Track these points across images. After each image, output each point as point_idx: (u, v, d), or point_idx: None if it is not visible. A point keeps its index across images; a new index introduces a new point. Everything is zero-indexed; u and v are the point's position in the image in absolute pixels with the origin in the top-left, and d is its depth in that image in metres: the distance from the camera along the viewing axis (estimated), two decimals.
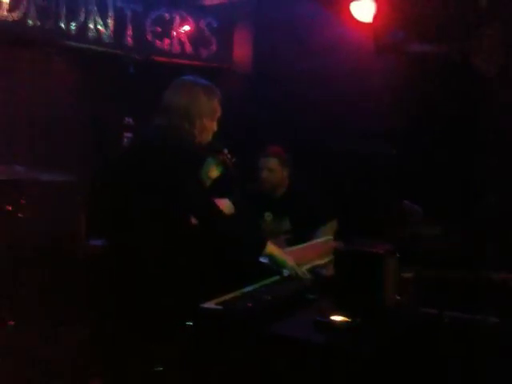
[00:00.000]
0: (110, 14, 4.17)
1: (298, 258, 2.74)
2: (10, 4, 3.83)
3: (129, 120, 4.44)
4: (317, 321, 1.97)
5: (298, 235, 3.53)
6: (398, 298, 2.11)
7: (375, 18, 3.76)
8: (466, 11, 3.69)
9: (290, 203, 3.74)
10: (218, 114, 2.59)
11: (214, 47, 4.67)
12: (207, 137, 2.59)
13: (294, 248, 2.99)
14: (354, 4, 3.93)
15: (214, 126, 2.60)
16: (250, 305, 2.20)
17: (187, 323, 2.27)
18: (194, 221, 2.55)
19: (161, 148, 2.43)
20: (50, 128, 3.91)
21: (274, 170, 3.68)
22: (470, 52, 3.63)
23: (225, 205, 2.90)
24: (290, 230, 3.69)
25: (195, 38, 4.57)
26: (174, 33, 4.49)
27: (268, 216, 3.72)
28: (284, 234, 3.65)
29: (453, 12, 3.67)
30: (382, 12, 3.75)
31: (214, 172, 2.88)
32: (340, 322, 1.94)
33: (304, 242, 3.20)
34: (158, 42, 4.43)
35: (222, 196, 2.92)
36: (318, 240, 3.28)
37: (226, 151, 2.86)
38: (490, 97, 3.73)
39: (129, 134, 4.23)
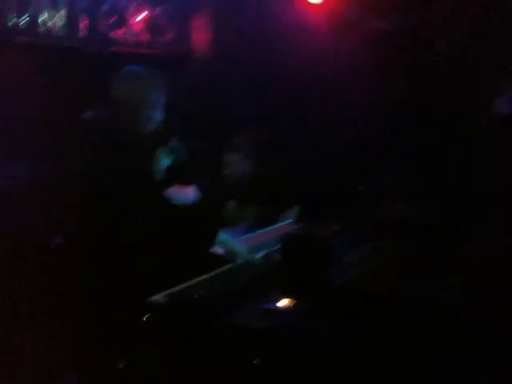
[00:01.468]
0: (62, 6, 4.07)
1: (255, 244, 2.73)
2: None
3: (90, 114, 4.36)
4: (263, 308, 1.95)
5: (263, 221, 3.50)
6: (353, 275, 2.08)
7: None
8: None
9: (254, 190, 3.70)
10: (162, 102, 2.56)
11: (171, 34, 4.58)
12: (153, 126, 2.56)
13: (252, 234, 2.97)
14: None
15: (160, 115, 2.57)
16: (200, 295, 2.17)
17: (144, 317, 2.25)
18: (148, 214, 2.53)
19: (106, 149, 2.42)
20: (10, 129, 3.82)
21: (238, 164, 3.64)
22: (425, 26, 3.59)
23: (190, 191, 2.87)
24: (254, 216, 3.66)
25: (152, 26, 4.49)
26: (130, 22, 4.39)
27: (232, 203, 3.68)
28: (248, 221, 3.61)
29: None
30: None
31: (167, 161, 2.85)
32: (285, 307, 1.91)
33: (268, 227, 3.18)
34: (113, 33, 4.33)
35: (185, 183, 2.89)
36: (279, 225, 3.26)
37: (176, 138, 2.82)
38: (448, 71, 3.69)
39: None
